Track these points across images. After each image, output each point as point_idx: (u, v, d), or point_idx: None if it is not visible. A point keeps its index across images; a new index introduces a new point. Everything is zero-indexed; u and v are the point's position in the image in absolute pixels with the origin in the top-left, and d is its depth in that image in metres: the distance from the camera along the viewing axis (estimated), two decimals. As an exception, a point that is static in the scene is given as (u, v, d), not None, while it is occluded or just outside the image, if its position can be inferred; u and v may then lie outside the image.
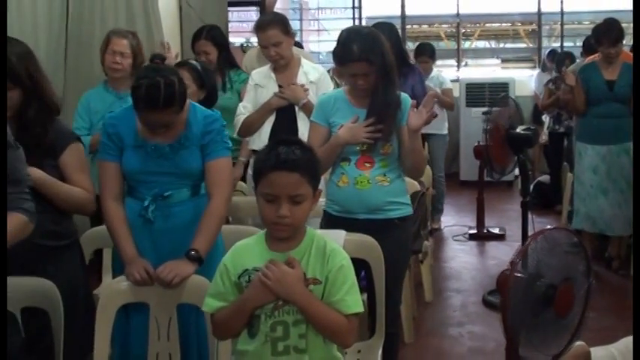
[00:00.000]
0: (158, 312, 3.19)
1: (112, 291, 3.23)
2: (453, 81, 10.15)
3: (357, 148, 3.67)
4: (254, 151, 3.79)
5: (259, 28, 4.71)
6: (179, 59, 5.14)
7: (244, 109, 4.69)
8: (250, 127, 4.68)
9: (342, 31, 3.80)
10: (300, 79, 4.69)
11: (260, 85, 4.73)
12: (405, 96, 3.77)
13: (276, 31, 4.63)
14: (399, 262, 3.80)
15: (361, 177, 3.68)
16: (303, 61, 4.82)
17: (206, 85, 4.24)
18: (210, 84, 4.31)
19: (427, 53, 7.87)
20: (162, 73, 3.21)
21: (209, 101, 4.20)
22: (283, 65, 4.70)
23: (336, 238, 3.03)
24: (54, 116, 3.25)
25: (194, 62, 4.40)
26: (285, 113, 4.61)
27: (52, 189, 3.12)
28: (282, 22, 4.72)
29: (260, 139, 4.54)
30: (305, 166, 2.41)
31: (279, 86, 4.66)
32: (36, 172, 3.00)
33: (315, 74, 4.72)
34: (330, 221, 3.75)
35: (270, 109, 4.64)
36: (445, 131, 7.99)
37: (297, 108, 4.63)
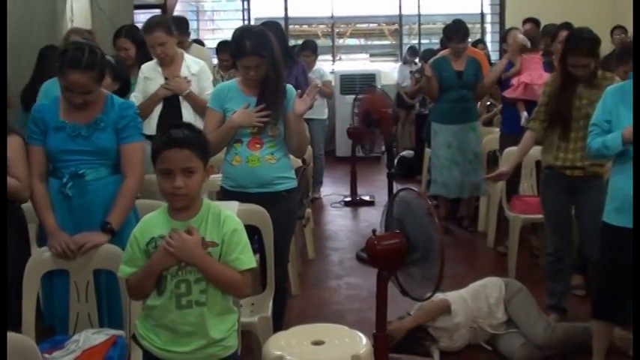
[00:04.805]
0: (77, 277, 3.14)
1: (36, 260, 3.14)
2: (329, 73, 10.20)
3: (249, 130, 3.65)
4: (145, 136, 3.76)
5: (146, 30, 4.63)
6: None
7: (135, 99, 4.54)
8: (141, 114, 4.56)
9: (236, 30, 3.76)
10: (184, 72, 4.63)
11: (149, 78, 4.66)
12: (289, 87, 3.77)
13: (160, 32, 4.55)
14: (287, 228, 3.83)
15: (252, 156, 3.66)
16: (186, 55, 4.76)
17: (120, 77, 4.15)
18: (123, 77, 4.23)
19: (310, 49, 7.80)
20: (88, 43, 3.21)
21: (122, 92, 4.12)
22: (168, 61, 4.63)
23: (231, 207, 3.02)
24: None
25: (108, 57, 4.28)
26: (171, 102, 4.56)
27: None
28: (166, 24, 4.62)
29: (150, 125, 4.46)
30: (194, 143, 2.43)
31: (165, 78, 4.60)
32: None
33: (196, 67, 4.67)
34: (226, 195, 3.72)
35: (157, 98, 4.59)
36: (325, 116, 8.00)
37: (181, 97, 4.58)
